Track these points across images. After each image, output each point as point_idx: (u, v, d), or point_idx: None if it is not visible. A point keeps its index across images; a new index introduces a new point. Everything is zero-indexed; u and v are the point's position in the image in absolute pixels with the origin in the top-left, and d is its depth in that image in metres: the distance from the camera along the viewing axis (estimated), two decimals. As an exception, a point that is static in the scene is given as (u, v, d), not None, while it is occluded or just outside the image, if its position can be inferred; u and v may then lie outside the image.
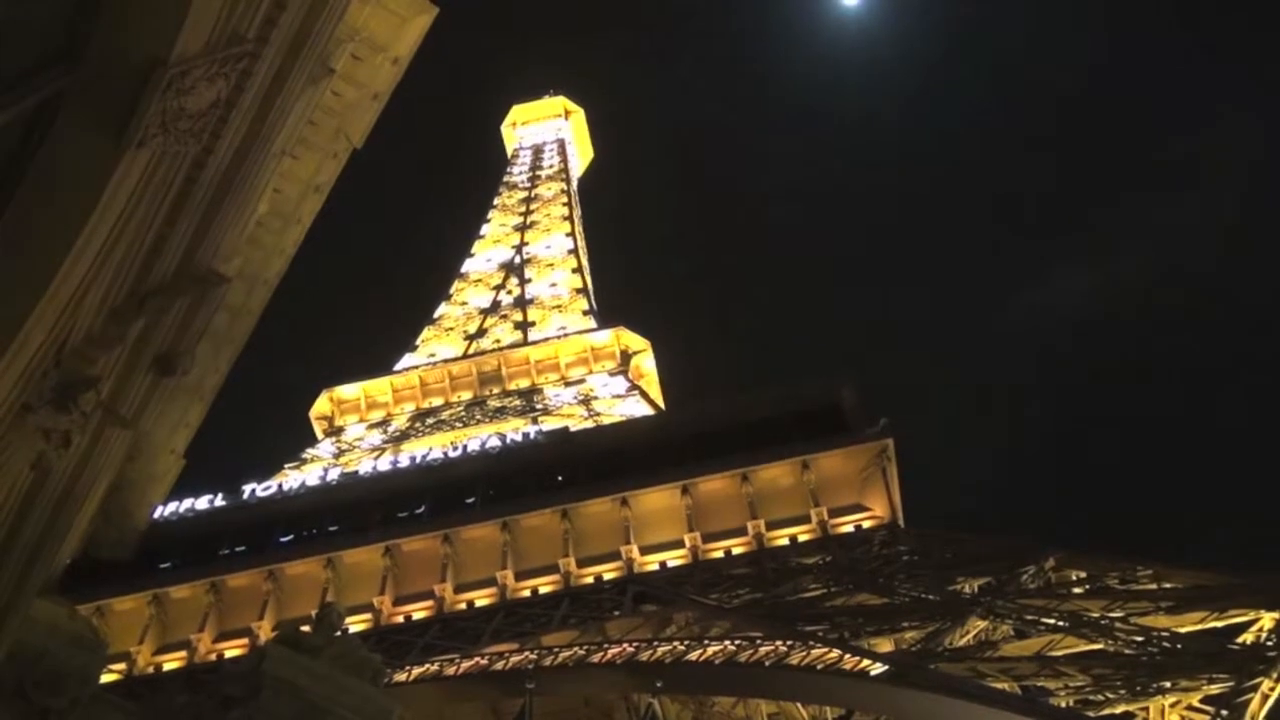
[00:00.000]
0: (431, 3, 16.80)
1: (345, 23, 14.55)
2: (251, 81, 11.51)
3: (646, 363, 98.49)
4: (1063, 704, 35.21)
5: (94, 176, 10.17)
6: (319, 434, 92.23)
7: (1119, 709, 34.62)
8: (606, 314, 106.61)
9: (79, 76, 9.88)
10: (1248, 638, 37.07)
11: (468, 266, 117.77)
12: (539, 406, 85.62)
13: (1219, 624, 38.84)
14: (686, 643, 44.95)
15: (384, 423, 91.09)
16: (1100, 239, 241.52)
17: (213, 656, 57.99)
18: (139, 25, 9.72)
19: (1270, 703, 32.02)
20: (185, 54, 10.18)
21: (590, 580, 58.76)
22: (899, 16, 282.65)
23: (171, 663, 58.57)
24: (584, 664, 45.01)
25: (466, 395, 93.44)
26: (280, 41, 11.82)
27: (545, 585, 59.06)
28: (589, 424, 76.52)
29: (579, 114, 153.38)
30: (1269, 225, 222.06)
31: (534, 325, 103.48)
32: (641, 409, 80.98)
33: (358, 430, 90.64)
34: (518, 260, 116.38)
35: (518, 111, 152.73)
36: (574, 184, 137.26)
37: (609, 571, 59.00)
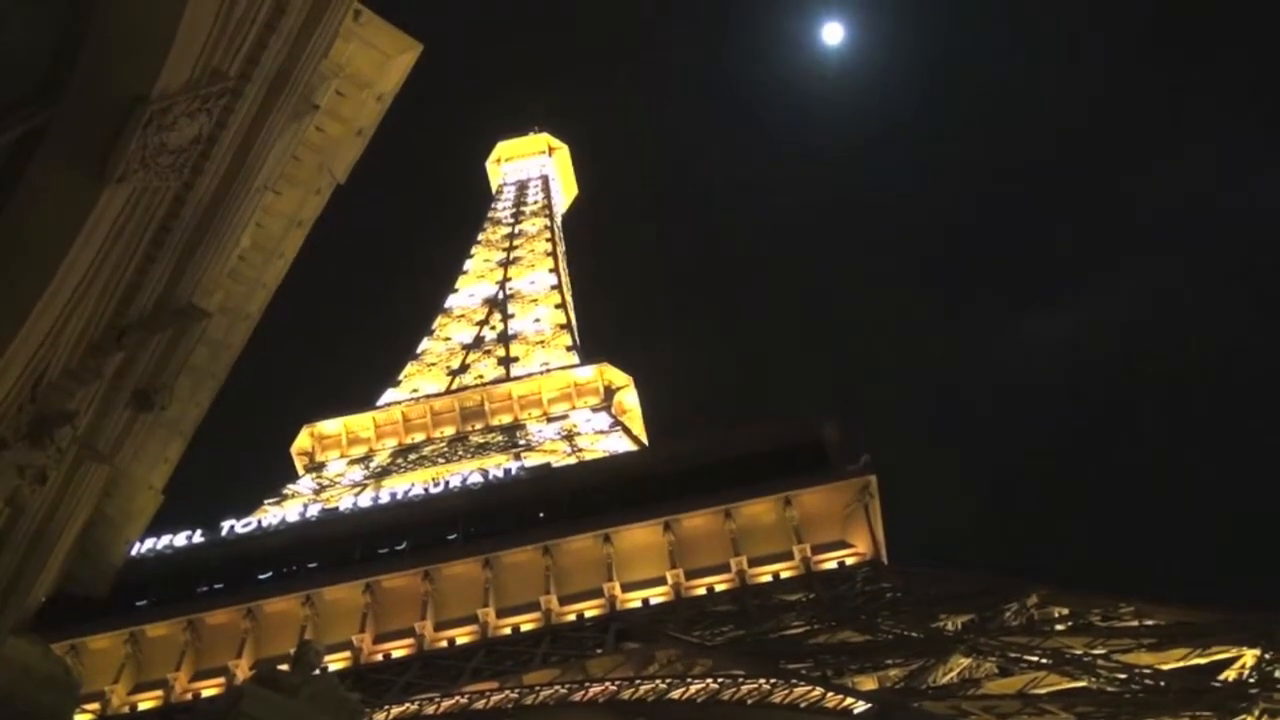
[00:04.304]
0: (416, 39, 16.92)
1: (329, 59, 14.63)
2: (233, 118, 11.55)
3: (629, 398, 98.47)
4: (1046, 742, 35.07)
5: (74, 211, 10.15)
6: (300, 469, 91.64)
7: (1102, 747, 34.51)
8: (590, 349, 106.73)
9: (61, 112, 9.88)
10: (1230, 675, 37.08)
11: (451, 302, 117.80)
12: (522, 442, 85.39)
13: (1201, 661, 38.87)
14: (669, 681, 44.65)
15: (366, 458, 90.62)
16: (1092, 276, 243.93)
17: (189, 696, 57.22)
18: (121, 61, 9.75)
19: (1253, 740, 31.99)
20: (167, 90, 10.20)
21: (572, 618, 58.36)
22: (881, 53, 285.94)
23: (147, 702, 57.75)
24: (566, 703, 44.65)
25: (449, 431, 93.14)
26: (263, 78, 11.87)
27: (527, 623, 58.63)
28: (572, 460, 76.29)
29: (563, 150, 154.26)
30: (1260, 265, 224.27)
31: (517, 361, 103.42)
32: (624, 445, 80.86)
33: (339, 466, 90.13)
34: (501, 296, 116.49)
35: (502, 148, 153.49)
36: (558, 220, 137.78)
37: (591, 609, 58.63)
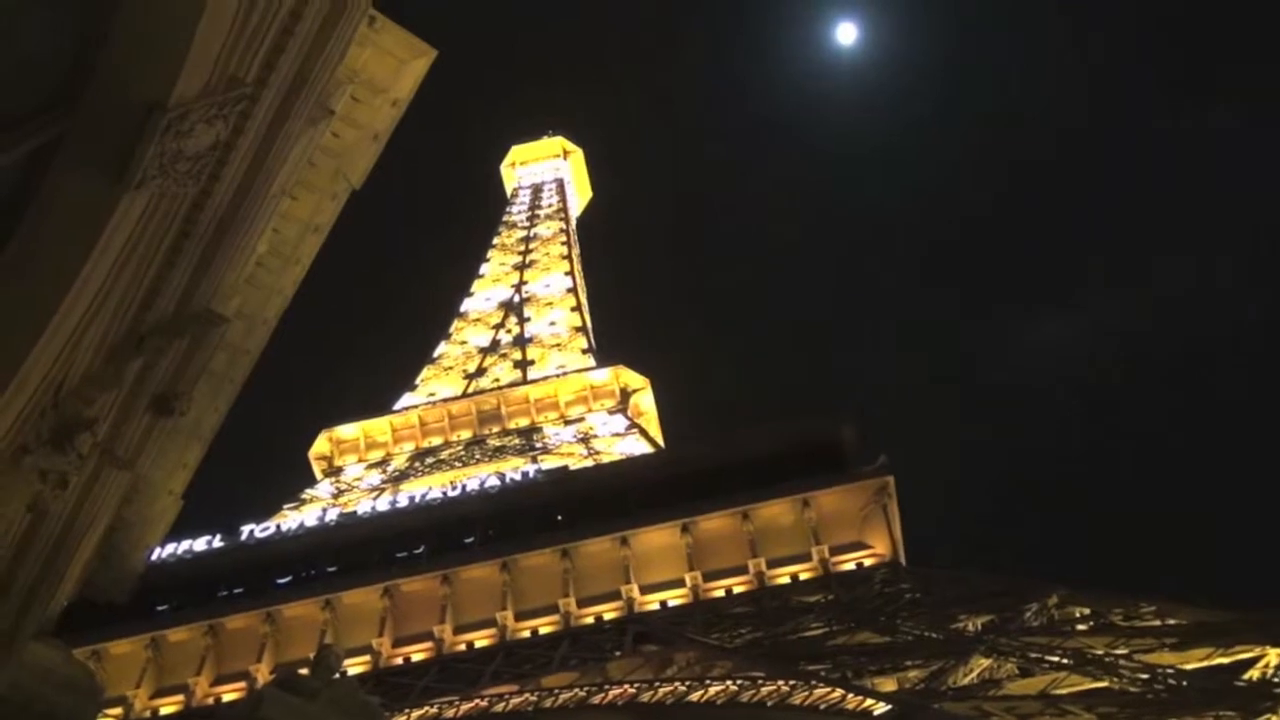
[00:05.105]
0: (431, 45, 16.96)
1: (344, 65, 14.65)
2: (250, 124, 11.58)
3: (645, 400, 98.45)
4: (1068, 743, 34.87)
5: (92, 218, 10.21)
6: (318, 474, 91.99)
7: (1125, 748, 34.29)
8: (605, 352, 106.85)
9: (78, 119, 9.93)
10: (1253, 674, 36.79)
11: (467, 306, 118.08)
12: (538, 445, 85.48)
13: (1224, 660, 38.57)
14: (688, 683, 44.62)
15: (383, 462, 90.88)
16: (1100, 276, 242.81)
17: (210, 700, 57.49)
18: (138, 68, 9.80)
19: (1278, 740, 31.73)
20: (184, 97, 10.24)
21: (590, 620, 58.38)
22: (893, 53, 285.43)
23: (169, 706, 58.05)
24: (585, 706, 44.68)
25: (466, 434, 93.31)
26: (279, 84, 11.90)
27: (545, 626, 58.68)
28: (588, 462, 76.32)
29: (577, 154, 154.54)
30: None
31: (533, 364, 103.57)
32: (641, 447, 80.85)
33: (357, 470, 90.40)
34: (517, 299, 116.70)
35: (517, 152, 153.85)
36: (573, 223, 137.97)
37: (609, 611, 58.64)
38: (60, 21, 9.59)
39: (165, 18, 9.64)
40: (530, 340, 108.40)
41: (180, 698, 58.14)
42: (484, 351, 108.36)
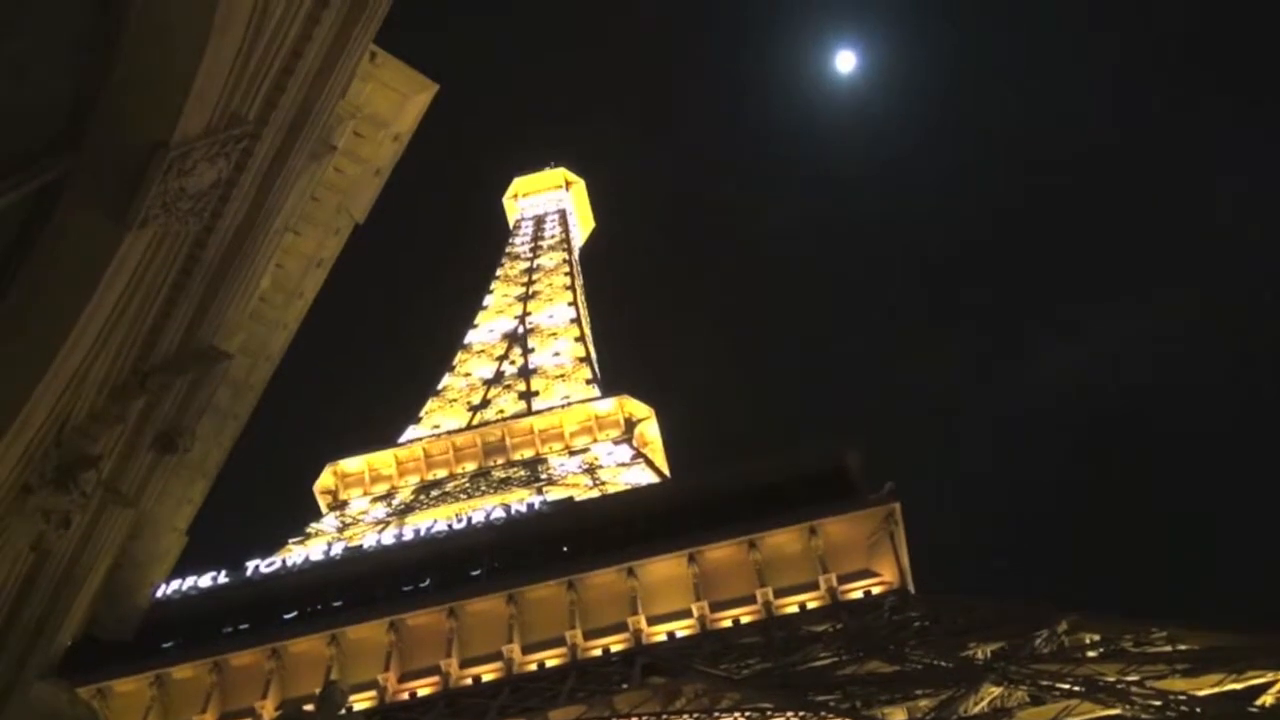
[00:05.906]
0: (431, 79, 17.08)
1: (346, 100, 14.76)
2: (252, 161, 11.64)
3: (650, 430, 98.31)
4: (1081, 772, 34.53)
5: (96, 257, 10.25)
6: (323, 508, 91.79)
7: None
8: (610, 382, 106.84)
9: (82, 159, 9.99)
10: (1267, 700, 36.41)
11: (471, 337, 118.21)
12: (544, 476, 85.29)
13: (1237, 686, 38.18)
14: (696, 715, 44.24)
15: (388, 495, 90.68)
16: (1113, 302, 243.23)
17: (216, 737, 57.09)
18: (141, 108, 9.86)
19: (1293, 767, 31.40)
20: (187, 135, 10.30)
21: (598, 652, 57.98)
22: (892, 80, 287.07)
23: (174, 745, 57.66)
24: (592, 739, 44.30)
25: (471, 466, 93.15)
26: (281, 121, 11.98)
27: (552, 658, 58.29)
28: (594, 493, 76.10)
29: (579, 184, 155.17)
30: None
31: (538, 395, 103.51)
32: (647, 477, 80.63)
33: (362, 504, 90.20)
34: (520, 330, 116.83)
35: (519, 183, 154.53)
36: (575, 253, 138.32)
37: (616, 643, 58.25)
38: (63, 63, 9.66)
39: (168, 57, 9.71)
40: (534, 371, 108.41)
41: (186, 736, 57.77)
42: (488, 383, 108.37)
